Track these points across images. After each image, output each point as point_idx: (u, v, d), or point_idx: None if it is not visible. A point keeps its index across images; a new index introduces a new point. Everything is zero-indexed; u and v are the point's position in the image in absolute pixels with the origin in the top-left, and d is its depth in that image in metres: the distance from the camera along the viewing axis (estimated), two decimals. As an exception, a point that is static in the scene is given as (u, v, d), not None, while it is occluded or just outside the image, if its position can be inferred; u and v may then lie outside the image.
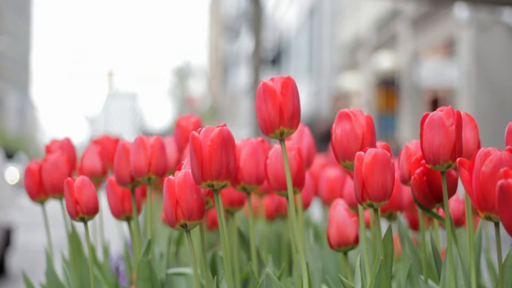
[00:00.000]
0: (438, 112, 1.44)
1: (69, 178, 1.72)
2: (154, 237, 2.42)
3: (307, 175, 2.11)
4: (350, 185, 2.04)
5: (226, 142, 1.44)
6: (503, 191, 1.08)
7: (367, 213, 2.06)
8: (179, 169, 1.53)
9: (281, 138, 1.52)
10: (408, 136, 15.94)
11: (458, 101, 13.87)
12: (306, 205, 2.18)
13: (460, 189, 1.54)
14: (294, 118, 1.51)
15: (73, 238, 2.03)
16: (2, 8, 75.10)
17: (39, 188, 2.03)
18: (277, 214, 2.46)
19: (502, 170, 1.14)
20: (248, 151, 1.77)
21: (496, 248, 1.35)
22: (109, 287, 2.08)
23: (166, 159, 1.81)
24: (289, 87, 1.50)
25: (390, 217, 1.96)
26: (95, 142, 2.38)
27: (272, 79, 1.51)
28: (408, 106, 16.80)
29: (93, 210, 1.73)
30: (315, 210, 3.63)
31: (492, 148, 1.30)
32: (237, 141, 1.77)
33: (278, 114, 1.49)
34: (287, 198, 1.72)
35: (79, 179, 1.72)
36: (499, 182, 1.08)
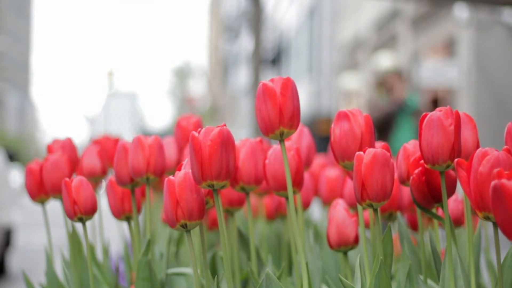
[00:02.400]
0: (437, 112, 1.45)
1: (67, 179, 1.72)
2: (154, 237, 2.43)
3: (307, 175, 2.11)
4: (350, 185, 2.04)
5: (226, 142, 1.45)
6: (496, 191, 1.08)
7: (366, 213, 2.06)
8: (179, 169, 1.54)
9: (281, 139, 1.52)
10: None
11: (458, 101, 13.86)
12: (306, 205, 2.18)
13: (460, 189, 1.54)
14: (294, 118, 1.51)
15: (73, 238, 2.03)
16: (2, 8, 75.08)
17: (39, 188, 2.03)
18: (277, 214, 2.46)
19: (495, 170, 1.14)
20: (247, 151, 1.78)
21: (495, 248, 1.35)
22: (109, 287, 2.08)
23: (165, 159, 1.81)
24: (289, 87, 1.50)
25: (390, 217, 1.96)
26: (95, 142, 2.38)
27: (271, 80, 1.51)
28: (408, 106, 16.79)
29: (91, 211, 1.73)
30: (315, 210, 3.63)
31: (489, 148, 1.31)
32: (237, 142, 1.77)
33: (278, 114, 1.49)
34: (286, 198, 1.73)
35: (77, 179, 1.72)
36: (493, 183, 1.08)
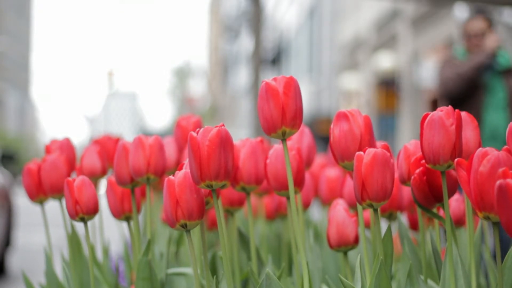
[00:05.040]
0: (438, 112, 1.44)
1: (69, 178, 1.72)
2: (154, 237, 2.42)
3: (307, 175, 2.11)
4: (350, 185, 2.04)
5: (224, 142, 1.44)
6: (501, 190, 1.08)
7: (367, 213, 2.06)
8: (180, 169, 1.53)
9: (283, 138, 1.52)
10: (408, 136, 15.93)
11: (458, 101, 13.85)
12: (306, 205, 2.18)
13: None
14: (296, 118, 1.51)
15: (73, 238, 2.03)
16: (2, 8, 75.11)
17: (38, 188, 2.03)
18: (277, 214, 2.46)
19: (500, 170, 1.14)
20: (247, 151, 1.77)
21: (495, 248, 1.35)
22: (109, 287, 2.08)
23: (165, 159, 1.81)
24: (292, 87, 1.50)
25: (390, 217, 1.96)
26: (95, 142, 2.38)
27: (274, 79, 1.51)
28: (408, 106, 16.79)
29: (93, 210, 1.73)
30: (315, 210, 3.63)
31: (489, 148, 1.31)
32: (237, 142, 1.77)
33: (281, 114, 1.49)
34: (287, 198, 1.72)
35: (79, 179, 1.71)
36: (498, 182, 1.08)
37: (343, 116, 1.55)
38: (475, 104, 4.55)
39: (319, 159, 2.66)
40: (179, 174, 1.48)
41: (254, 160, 1.77)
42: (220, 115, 52.15)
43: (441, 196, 1.57)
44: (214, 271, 2.09)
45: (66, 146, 2.13)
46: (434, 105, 15.44)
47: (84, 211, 1.71)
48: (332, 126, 1.57)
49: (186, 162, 1.57)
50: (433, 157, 1.44)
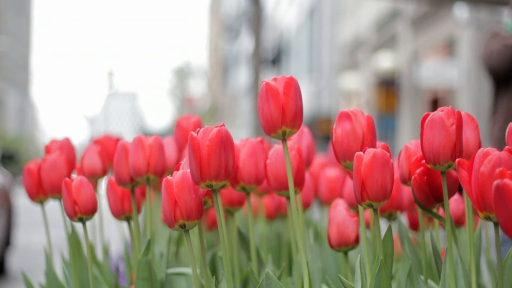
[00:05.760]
0: (439, 112, 1.44)
1: (67, 179, 1.72)
2: (154, 237, 2.42)
3: (307, 175, 2.11)
4: (350, 185, 2.04)
5: (224, 142, 1.44)
6: (499, 191, 1.08)
7: (367, 213, 2.06)
8: (178, 169, 1.53)
9: (284, 138, 1.52)
10: (408, 136, 15.94)
11: (458, 101, 13.86)
12: (306, 205, 2.18)
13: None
14: (296, 118, 1.51)
15: (73, 238, 2.03)
16: (2, 8, 75.13)
17: (38, 188, 2.03)
18: (277, 214, 2.46)
19: (498, 170, 1.14)
20: (248, 151, 1.77)
21: (496, 248, 1.35)
22: (109, 287, 2.08)
23: (165, 159, 1.81)
24: (292, 87, 1.50)
25: (390, 217, 1.96)
26: (95, 142, 2.38)
27: (274, 79, 1.51)
28: (408, 106, 16.80)
29: (92, 211, 1.72)
30: (315, 210, 3.63)
31: (491, 148, 1.31)
32: (237, 142, 1.77)
33: (281, 114, 1.49)
34: (287, 198, 1.72)
35: (77, 180, 1.71)
36: (495, 182, 1.08)
37: (346, 116, 1.55)
38: None
39: (319, 159, 2.66)
40: (177, 174, 1.48)
41: (254, 160, 1.77)
42: (220, 115, 52.17)
43: (441, 196, 1.57)
44: (214, 271, 2.09)
45: (66, 146, 2.13)
46: (434, 105, 15.46)
47: (83, 212, 1.71)
48: (334, 125, 1.56)
49: (183, 162, 1.57)
50: (433, 157, 1.44)
